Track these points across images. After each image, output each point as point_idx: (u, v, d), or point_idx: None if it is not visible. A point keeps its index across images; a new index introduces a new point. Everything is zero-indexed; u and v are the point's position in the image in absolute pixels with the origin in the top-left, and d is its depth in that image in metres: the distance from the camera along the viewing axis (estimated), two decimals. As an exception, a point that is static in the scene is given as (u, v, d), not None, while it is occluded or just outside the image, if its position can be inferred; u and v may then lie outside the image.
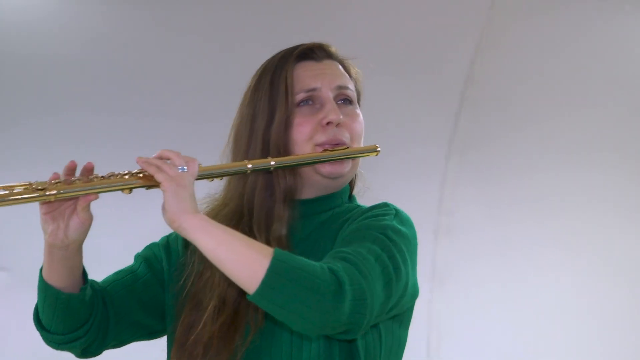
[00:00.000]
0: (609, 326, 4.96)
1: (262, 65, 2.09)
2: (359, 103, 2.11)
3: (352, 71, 2.11)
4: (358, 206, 2.05)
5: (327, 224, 2.01)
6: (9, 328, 4.22)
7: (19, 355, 4.23)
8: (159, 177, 1.80)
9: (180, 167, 1.83)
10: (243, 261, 1.72)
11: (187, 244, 2.05)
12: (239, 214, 1.99)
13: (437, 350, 4.95)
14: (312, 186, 2.03)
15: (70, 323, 1.97)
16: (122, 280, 2.07)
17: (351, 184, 2.11)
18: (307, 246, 1.97)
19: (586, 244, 4.97)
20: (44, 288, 1.94)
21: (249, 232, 1.95)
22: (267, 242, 1.94)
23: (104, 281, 2.07)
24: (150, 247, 2.13)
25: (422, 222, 4.91)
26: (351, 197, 2.10)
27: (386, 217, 1.91)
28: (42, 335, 2.01)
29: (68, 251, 1.91)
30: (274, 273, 1.69)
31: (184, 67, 4.67)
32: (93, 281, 2.05)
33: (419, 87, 4.91)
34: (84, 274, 1.99)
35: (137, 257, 2.12)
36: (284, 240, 1.96)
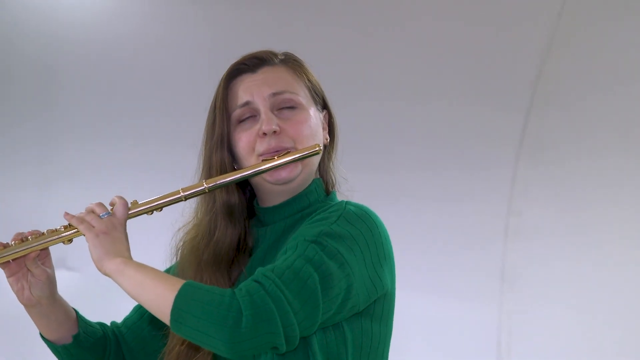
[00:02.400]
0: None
1: None
2: (317, 98, 2.12)
3: (301, 71, 2.11)
4: (330, 205, 2.05)
5: (293, 228, 2.04)
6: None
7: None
8: (80, 228, 1.92)
9: (103, 214, 1.93)
10: (153, 299, 1.79)
11: (177, 271, 2.13)
12: (204, 231, 2.08)
13: (508, 352, 4.92)
14: (272, 193, 2.08)
15: None
16: (132, 317, 2.21)
17: (325, 180, 2.14)
18: (275, 253, 2.00)
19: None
20: (45, 342, 2.10)
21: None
22: (207, 262, 2.03)
23: (124, 319, 2.22)
24: None
25: (492, 223, 4.94)
26: (330, 194, 2.12)
27: (324, 222, 1.92)
28: None
29: (42, 307, 2.04)
30: (177, 308, 1.76)
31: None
32: (113, 322, 2.20)
33: (489, 87, 4.90)
34: (80, 320, 2.11)
35: None
36: (221, 258, 2.03)
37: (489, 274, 4.93)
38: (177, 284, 1.79)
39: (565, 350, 4.89)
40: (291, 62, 2.11)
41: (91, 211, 1.94)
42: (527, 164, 4.94)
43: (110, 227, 1.91)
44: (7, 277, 2.01)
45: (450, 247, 4.95)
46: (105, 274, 1.87)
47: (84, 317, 2.13)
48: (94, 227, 1.90)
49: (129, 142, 4.85)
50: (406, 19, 4.78)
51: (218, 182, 2.01)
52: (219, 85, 2.09)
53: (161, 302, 1.77)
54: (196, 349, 2.02)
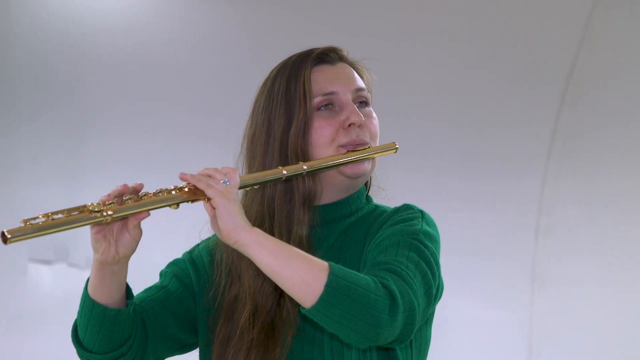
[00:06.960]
0: None
1: (273, 71, 2.09)
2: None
3: (364, 73, 2.12)
4: (377, 207, 2.07)
5: (350, 230, 2.02)
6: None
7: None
8: (209, 192, 1.79)
9: (225, 181, 1.82)
10: (300, 276, 1.72)
11: (212, 258, 2.08)
12: (260, 220, 1.99)
13: (538, 351, 4.90)
14: (333, 188, 2.03)
15: (114, 340, 1.96)
16: (155, 295, 2.07)
17: (366, 184, 2.12)
18: (333, 254, 1.99)
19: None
20: (91, 306, 1.94)
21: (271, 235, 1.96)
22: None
23: (136, 299, 2.07)
24: (176, 263, 2.14)
25: (522, 222, 4.92)
26: (368, 198, 2.11)
27: (415, 221, 1.93)
28: (81, 356, 2.00)
29: (118, 266, 1.91)
30: (331, 288, 1.71)
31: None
32: None
33: (520, 85, 4.90)
34: (127, 288, 2.00)
35: (165, 273, 2.12)
36: (304, 242, 1.97)
37: (519, 273, 4.92)
38: (322, 262, 1.74)
39: (597, 350, 4.87)
40: (357, 65, 2.12)
41: (209, 176, 1.83)
42: (558, 163, 4.93)
43: (235, 195, 1.80)
44: (95, 233, 1.87)
45: (481, 247, 4.95)
46: (236, 244, 1.76)
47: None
48: (222, 192, 1.79)
49: (157, 137, 4.86)
50: (437, 18, 4.81)
51: (316, 166, 1.96)
52: (302, 71, 2.03)
53: (309, 279, 1.71)
54: (270, 340, 1.96)
